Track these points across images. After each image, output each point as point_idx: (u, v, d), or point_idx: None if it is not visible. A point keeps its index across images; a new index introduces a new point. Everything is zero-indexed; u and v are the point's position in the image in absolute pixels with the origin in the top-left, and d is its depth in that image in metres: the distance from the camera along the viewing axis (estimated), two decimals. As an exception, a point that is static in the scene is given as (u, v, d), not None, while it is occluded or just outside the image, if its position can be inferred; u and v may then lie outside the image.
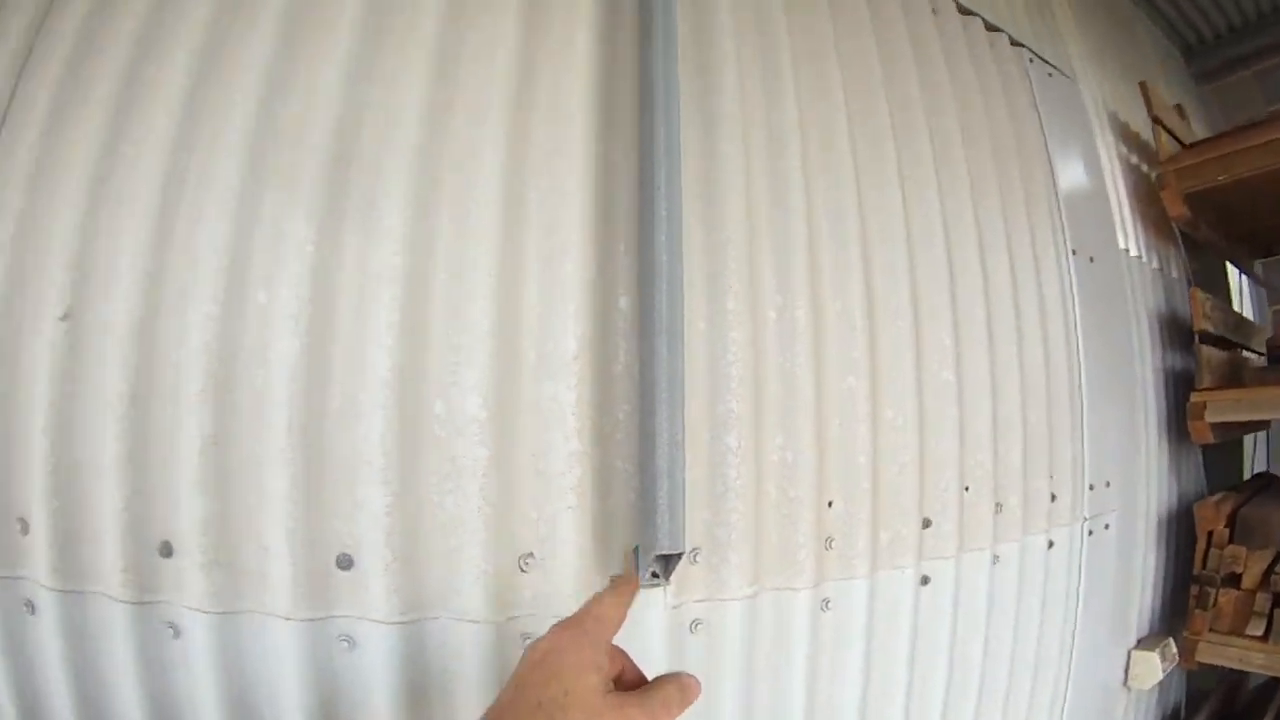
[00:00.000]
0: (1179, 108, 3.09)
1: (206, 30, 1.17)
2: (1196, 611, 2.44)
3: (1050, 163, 2.14)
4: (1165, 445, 2.60)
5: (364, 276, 1.11)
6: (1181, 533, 2.64)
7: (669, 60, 1.19)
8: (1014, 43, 2.25)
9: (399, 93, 1.16)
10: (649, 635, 1.17)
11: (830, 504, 1.40)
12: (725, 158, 1.28)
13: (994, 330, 1.74)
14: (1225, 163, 2.52)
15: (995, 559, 1.73)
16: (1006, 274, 1.84)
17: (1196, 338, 2.54)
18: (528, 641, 0.77)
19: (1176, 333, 2.73)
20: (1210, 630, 2.42)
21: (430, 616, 1.08)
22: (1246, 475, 3.60)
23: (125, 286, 1.09)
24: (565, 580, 1.15)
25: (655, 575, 1.15)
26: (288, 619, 1.05)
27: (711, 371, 1.24)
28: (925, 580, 1.57)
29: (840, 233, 1.46)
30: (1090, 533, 2.06)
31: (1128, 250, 2.50)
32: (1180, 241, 2.90)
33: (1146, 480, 2.45)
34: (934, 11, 1.99)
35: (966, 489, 1.64)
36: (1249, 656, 2.29)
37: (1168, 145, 2.64)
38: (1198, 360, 2.52)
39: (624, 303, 1.21)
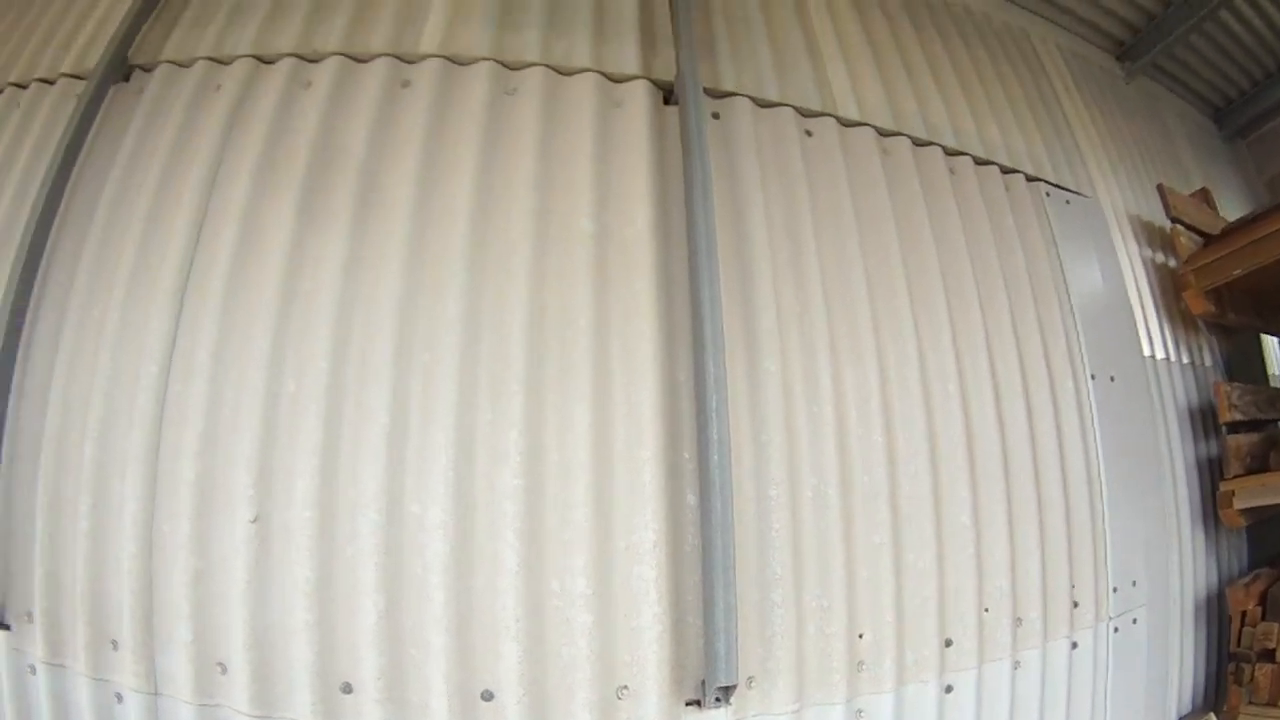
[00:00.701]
0: (1204, 192, 3.24)
1: (342, 277, 1.63)
2: (1234, 687, 2.59)
3: (1067, 292, 2.38)
4: (1201, 532, 2.75)
5: (493, 494, 1.52)
6: (1219, 612, 2.77)
7: (715, 313, 1.57)
8: (1031, 179, 2.51)
9: (509, 365, 1.58)
10: (717, 744, 1.54)
11: (861, 636, 1.72)
12: (766, 374, 1.67)
13: (1010, 468, 2.01)
14: (1239, 257, 2.68)
15: (1017, 664, 1.99)
16: (1023, 416, 2.10)
17: (1224, 429, 2.70)
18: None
19: (1210, 421, 2.88)
20: (1249, 704, 2.57)
21: (553, 734, 1.48)
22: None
23: (302, 499, 1.53)
24: (650, 704, 1.53)
25: (718, 700, 1.53)
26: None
27: (760, 545, 1.60)
28: (949, 689, 1.86)
29: (865, 415, 1.79)
30: (1116, 630, 2.27)
31: (1154, 355, 2.68)
32: (1210, 330, 3.04)
33: (1180, 569, 2.62)
34: (951, 172, 2.28)
35: (986, 610, 1.92)
36: (1286, 725, 2.43)
37: (1186, 245, 2.82)
38: (1225, 451, 2.68)
39: (690, 499, 1.59)
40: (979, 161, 2.38)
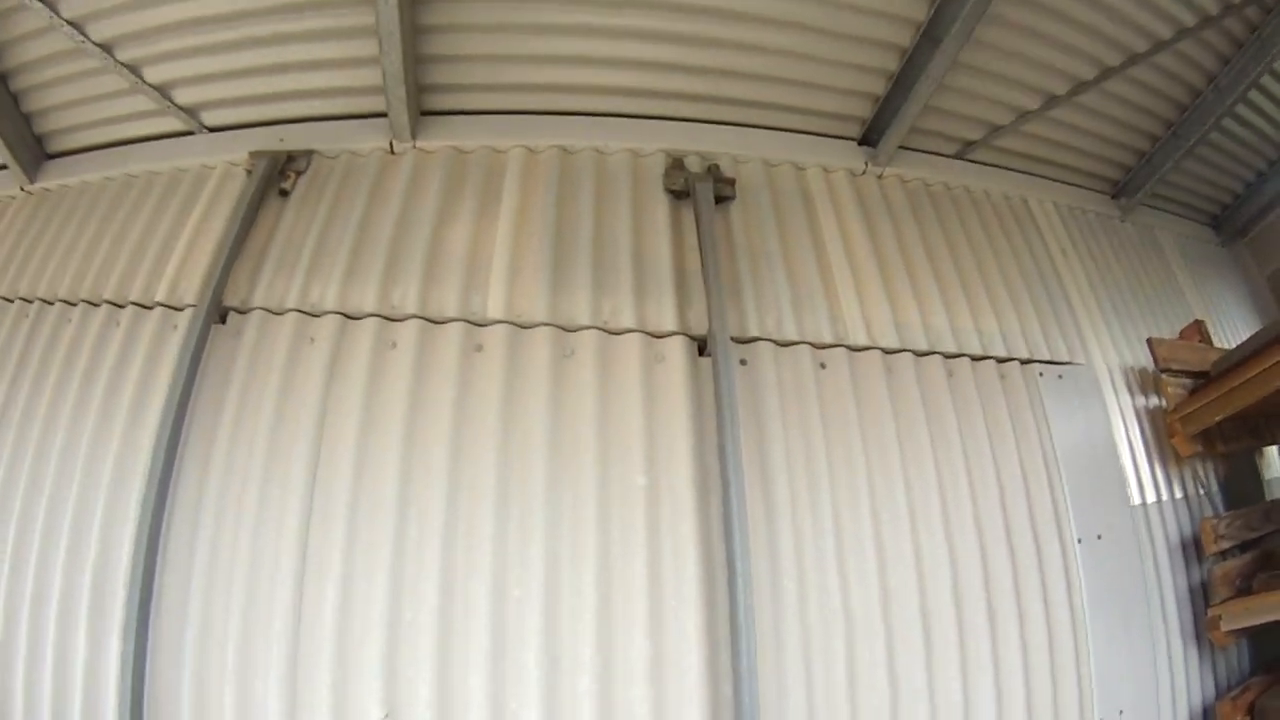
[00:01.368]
0: (1197, 325, 3.52)
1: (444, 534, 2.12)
2: (1221, 803, 2.92)
3: (1057, 463, 2.73)
4: (1193, 651, 3.05)
5: (574, 695, 1.99)
6: (1214, 725, 3.09)
7: (744, 549, 2.03)
8: (1025, 362, 2.87)
9: (583, 598, 2.05)
10: None
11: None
12: (784, 591, 2.13)
13: (998, 644, 2.40)
14: (1222, 403, 2.96)
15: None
16: (1009, 581, 2.48)
17: (1210, 560, 3.02)
18: None
19: (1202, 548, 3.18)
20: (1236, 819, 2.90)
21: None
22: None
23: (424, 701, 1.99)
24: None
25: None
26: None
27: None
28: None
29: (865, 600, 2.22)
30: (1104, 759, 2.64)
31: (1144, 502, 3.00)
32: (1204, 459, 3.33)
33: (1172, 690, 2.92)
34: (949, 374, 2.67)
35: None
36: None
37: (1175, 394, 3.14)
38: (1210, 579, 3.00)
39: (726, 690, 2.03)
40: (976, 359, 2.76)
